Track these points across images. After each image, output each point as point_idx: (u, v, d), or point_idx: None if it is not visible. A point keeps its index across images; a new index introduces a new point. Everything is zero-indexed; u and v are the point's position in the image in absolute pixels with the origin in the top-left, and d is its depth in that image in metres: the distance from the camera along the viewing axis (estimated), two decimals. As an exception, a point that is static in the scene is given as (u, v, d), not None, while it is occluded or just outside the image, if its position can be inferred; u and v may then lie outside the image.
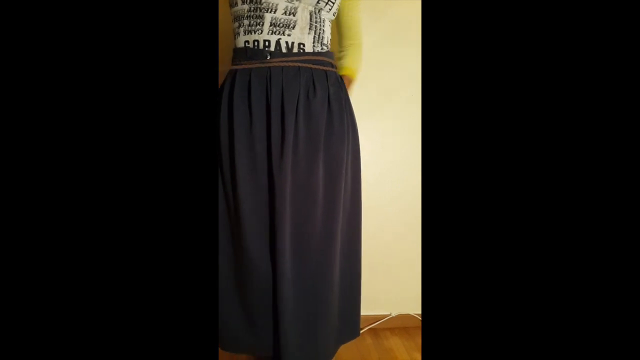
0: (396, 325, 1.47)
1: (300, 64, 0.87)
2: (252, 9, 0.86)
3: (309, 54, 0.89)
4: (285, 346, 0.90)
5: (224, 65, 0.95)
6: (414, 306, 1.47)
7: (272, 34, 0.86)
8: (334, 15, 0.91)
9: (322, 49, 0.91)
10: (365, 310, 1.36)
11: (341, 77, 0.96)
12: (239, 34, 0.90)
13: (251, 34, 0.87)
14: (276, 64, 0.86)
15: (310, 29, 0.88)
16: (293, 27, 0.86)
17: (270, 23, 0.86)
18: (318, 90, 0.88)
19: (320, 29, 0.90)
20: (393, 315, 1.47)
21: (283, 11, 0.85)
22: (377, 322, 1.45)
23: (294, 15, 0.86)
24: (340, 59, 1.00)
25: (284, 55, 0.87)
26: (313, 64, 0.87)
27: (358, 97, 1.00)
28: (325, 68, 0.90)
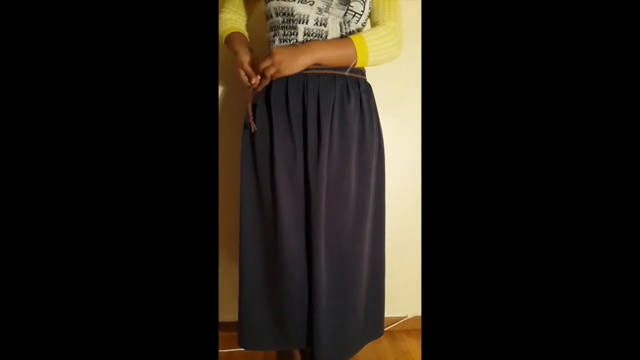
0: (412, 327, 1.49)
1: (335, 72, 0.91)
2: (285, 20, 0.91)
3: None
4: (318, 340, 0.93)
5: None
6: (429, 308, 1.50)
7: (306, 42, 0.91)
8: (362, 25, 0.96)
9: None
10: (383, 312, 1.39)
11: (369, 85, 1.01)
12: (274, 41, 0.94)
13: (286, 42, 0.92)
14: (313, 71, 0.90)
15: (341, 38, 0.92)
16: (325, 37, 0.91)
17: (304, 33, 0.90)
18: (352, 97, 0.92)
19: None
20: (409, 317, 1.49)
21: (314, 22, 0.90)
22: (393, 324, 1.48)
23: (325, 26, 0.90)
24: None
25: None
26: (347, 72, 0.92)
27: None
28: (357, 75, 0.95)
